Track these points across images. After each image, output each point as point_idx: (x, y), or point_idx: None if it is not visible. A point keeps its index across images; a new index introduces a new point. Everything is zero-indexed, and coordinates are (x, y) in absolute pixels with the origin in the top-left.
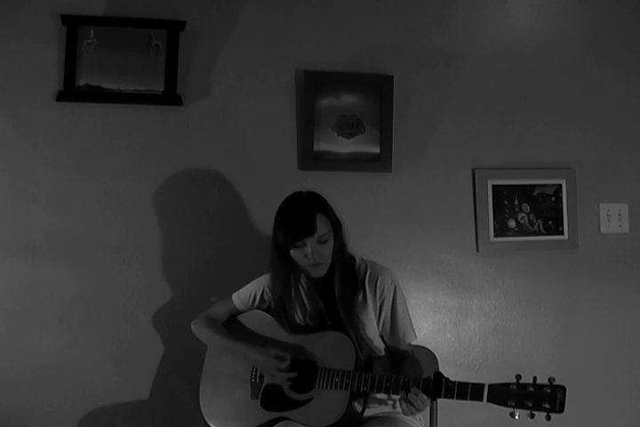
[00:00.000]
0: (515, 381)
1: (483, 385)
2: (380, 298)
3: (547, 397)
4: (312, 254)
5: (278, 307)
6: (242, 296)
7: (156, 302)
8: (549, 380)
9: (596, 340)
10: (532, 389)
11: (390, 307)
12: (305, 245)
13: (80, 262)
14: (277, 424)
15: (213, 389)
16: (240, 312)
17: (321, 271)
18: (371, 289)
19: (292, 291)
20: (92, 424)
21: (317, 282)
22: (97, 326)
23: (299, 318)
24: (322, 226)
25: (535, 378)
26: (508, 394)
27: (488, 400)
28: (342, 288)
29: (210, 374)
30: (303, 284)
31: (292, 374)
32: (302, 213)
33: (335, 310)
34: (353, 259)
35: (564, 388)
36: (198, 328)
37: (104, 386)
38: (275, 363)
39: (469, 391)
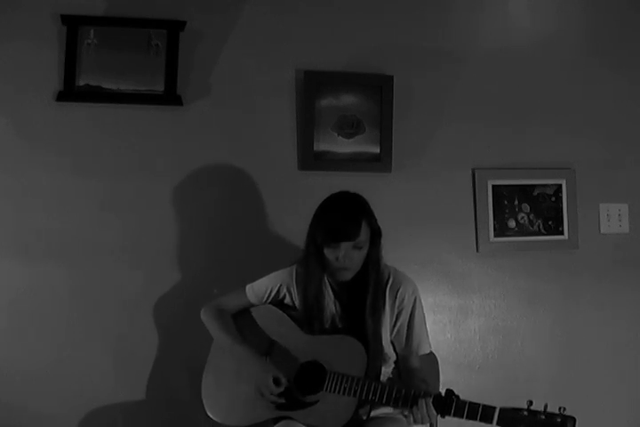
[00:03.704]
0: (525, 406)
1: (494, 408)
2: (398, 307)
3: (556, 426)
4: (343, 258)
5: (308, 307)
6: (256, 290)
7: (156, 302)
8: (560, 409)
9: (596, 340)
10: (542, 417)
11: (408, 317)
12: (339, 247)
13: (79, 262)
14: (279, 423)
15: (217, 381)
16: (252, 305)
17: (347, 276)
18: (391, 297)
19: (325, 291)
20: (91, 424)
21: (338, 285)
22: (96, 327)
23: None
24: (363, 233)
25: (546, 405)
26: (519, 420)
27: (497, 424)
28: (374, 299)
29: (214, 367)
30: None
31: (280, 401)
32: (348, 217)
33: (351, 314)
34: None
35: (574, 419)
36: (208, 318)
37: (103, 386)
38: (270, 384)
39: (480, 413)
